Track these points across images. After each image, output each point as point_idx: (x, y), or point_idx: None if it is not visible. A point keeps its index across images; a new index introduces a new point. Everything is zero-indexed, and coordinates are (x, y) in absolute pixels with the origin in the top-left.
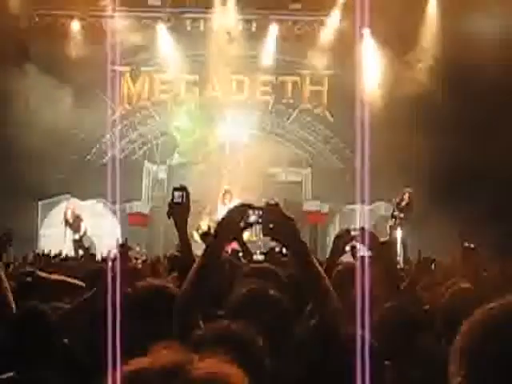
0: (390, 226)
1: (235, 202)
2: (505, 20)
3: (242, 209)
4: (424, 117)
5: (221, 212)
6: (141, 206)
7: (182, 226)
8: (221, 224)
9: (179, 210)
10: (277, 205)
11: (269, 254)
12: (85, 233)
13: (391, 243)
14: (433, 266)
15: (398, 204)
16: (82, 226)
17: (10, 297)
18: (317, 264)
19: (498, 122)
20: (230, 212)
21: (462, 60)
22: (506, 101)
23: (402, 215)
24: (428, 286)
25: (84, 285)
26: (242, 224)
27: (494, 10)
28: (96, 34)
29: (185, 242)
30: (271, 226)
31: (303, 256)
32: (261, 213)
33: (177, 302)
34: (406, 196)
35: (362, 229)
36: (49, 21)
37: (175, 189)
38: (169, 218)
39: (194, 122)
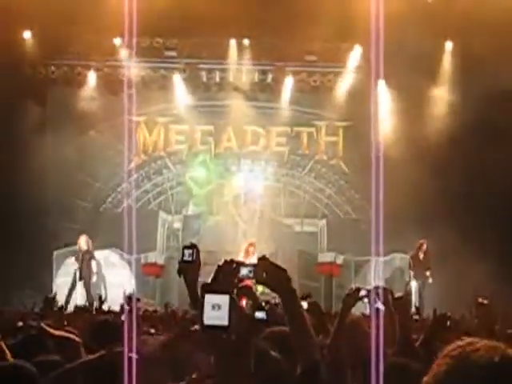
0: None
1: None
2: None
3: (233, 264)
4: (441, 167)
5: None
6: (155, 256)
7: (192, 284)
8: (215, 281)
9: (189, 268)
10: (264, 257)
11: (269, 309)
12: (97, 273)
13: (406, 299)
14: (448, 322)
15: (414, 257)
16: (93, 264)
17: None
18: (304, 313)
19: None
20: (221, 268)
21: (479, 108)
22: None
23: (419, 268)
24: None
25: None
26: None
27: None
28: (112, 84)
29: (195, 300)
30: (264, 274)
31: (291, 304)
32: (252, 268)
33: None
34: (424, 247)
35: (375, 287)
36: (66, 70)
37: (185, 247)
38: (179, 276)
39: (210, 172)
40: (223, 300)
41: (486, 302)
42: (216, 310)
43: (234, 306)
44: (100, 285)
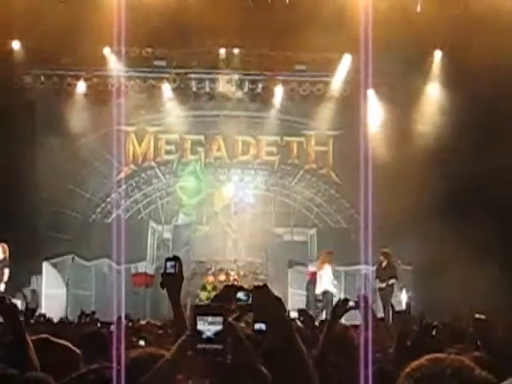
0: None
1: None
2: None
3: (232, 289)
4: (432, 174)
5: None
6: (145, 266)
7: (174, 296)
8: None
9: (172, 280)
10: (265, 286)
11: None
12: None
13: (406, 313)
14: (434, 331)
15: (378, 266)
16: (5, 272)
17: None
18: (300, 343)
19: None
20: (221, 292)
21: (469, 114)
22: None
23: (381, 276)
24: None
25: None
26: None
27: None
28: (102, 94)
29: (178, 312)
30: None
31: (287, 335)
32: (248, 293)
33: None
34: (387, 256)
35: (364, 297)
36: (55, 81)
37: (168, 259)
38: (162, 288)
39: (200, 182)
40: (217, 322)
41: (483, 317)
42: (209, 333)
43: (228, 328)
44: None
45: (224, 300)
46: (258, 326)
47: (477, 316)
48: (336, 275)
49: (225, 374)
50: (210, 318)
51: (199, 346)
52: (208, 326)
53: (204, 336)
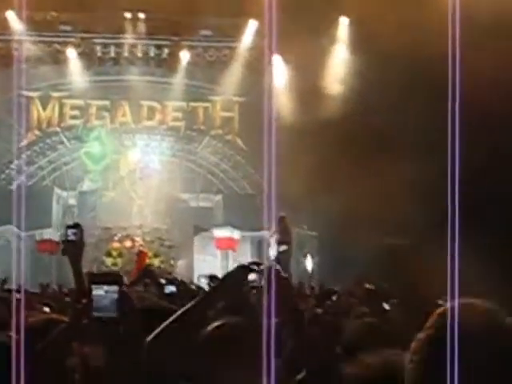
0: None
1: None
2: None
3: (244, 270)
4: (339, 137)
5: None
6: (51, 233)
7: (75, 263)
8: (225, 284)
9: (73, 247)
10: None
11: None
12: None
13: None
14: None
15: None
16: None
17: None
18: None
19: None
20: (233, 273)
21: (374, 80)
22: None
23: (281, 244)
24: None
25: None
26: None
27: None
28: (5, 59)
29: (78, 280)
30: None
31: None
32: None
33: None
34: (281, 221)
35: (258, 264)
36: None
37: (68, 226)
38: (63, 255)
39: (105, 148)
40: (112, 291)
41: (373, 287)
42: (105, 301)
43: (123, 297)
44: None
45: (235, 281)
46: (169, 288)
47: (367, 286)
48: (242, 241)
49: (119, 343)
50: (105, 287)
51: (94, 314)
52: (103, 294)
53: (99, 304)
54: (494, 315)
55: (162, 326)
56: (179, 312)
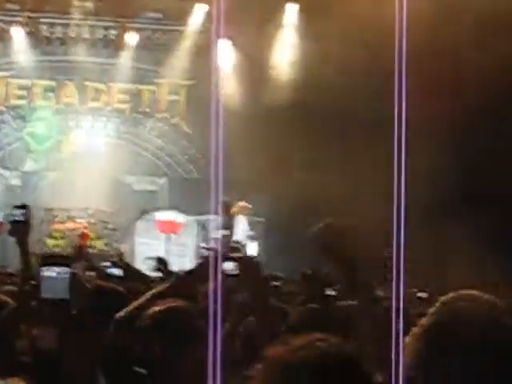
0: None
1: None
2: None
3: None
4: (287, 124)
5: None
6: None
7: (22, 244)
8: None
9: (20, 228)
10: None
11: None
12: None
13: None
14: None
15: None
16: None
17: None
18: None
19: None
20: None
21: (322, 66)
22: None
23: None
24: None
25: None
26: None
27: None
28: None
29: (25, 261)
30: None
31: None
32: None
33: None
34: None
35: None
36: None
37: (16, 206)
38: (10, 235)
39: (49, 128)
40: (63, 273)
41: (310, 272)
42: (56, 283)
43: (74, 278)
44: None
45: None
46: (114, 271)
47: (305, 271)
48: (187, 225)
49: (69, 324)
50: (56, 269)
51: (45, 295)
52: (54, 276)
53: (50, 286)
54: (493, 307)
55: (130, 307)
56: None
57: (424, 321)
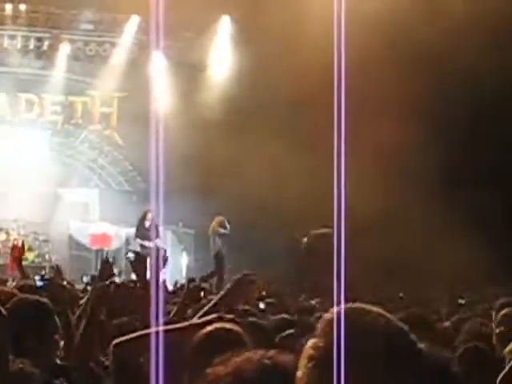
0: None
1: None
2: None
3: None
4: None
5: None
6: None
7: None
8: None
9: None
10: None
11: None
12: None
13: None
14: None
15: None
16: None
17: None
18: None
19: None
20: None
21: (257, 74)
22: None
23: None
24: None
25: None
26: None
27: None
28: None
29: None
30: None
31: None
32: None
33: None
34: (149, 216)
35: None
36: None
37: None
38: None
39: None
40: None
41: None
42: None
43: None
44: None
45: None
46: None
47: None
48: (117, 237)
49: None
50: None
51: None
52: None
53: None
54: (380, 320)
55: None
56: None
57: (317, 341)
